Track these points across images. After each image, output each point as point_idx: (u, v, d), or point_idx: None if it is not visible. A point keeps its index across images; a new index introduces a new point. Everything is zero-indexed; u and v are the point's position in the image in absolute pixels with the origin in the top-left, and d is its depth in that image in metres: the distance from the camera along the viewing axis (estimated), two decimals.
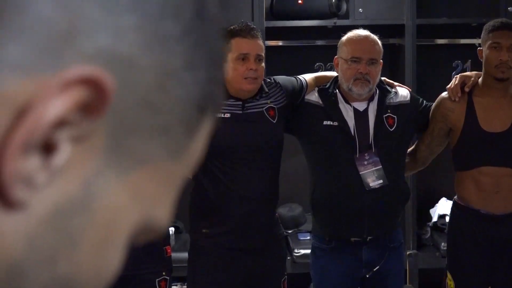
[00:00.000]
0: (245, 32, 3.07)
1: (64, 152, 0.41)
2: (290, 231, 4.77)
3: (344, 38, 3.24)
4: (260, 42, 3.11)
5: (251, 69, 3.04)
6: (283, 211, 4.80)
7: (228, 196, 3.09)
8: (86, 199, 0.43)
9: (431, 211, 4.87)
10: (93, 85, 0.41)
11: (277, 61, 4.74)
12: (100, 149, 0.43)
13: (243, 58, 3.05)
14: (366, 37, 3.19)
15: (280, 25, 4.65)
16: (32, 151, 0.40)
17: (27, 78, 0.40)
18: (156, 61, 0.44)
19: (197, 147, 0.50)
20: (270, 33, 4.58)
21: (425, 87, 4.46)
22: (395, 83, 3.41)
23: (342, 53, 3.21)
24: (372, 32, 3.26)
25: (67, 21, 0.41)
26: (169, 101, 0.45)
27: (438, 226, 4.72)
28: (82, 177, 0.43)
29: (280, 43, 4.83)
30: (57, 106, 0.40)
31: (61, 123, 0.40)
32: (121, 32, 0.42)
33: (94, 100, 0.41)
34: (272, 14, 4.68)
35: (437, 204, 4.87)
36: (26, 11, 0.40)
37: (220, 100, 0.50)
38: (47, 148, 0.41)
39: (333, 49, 3.35)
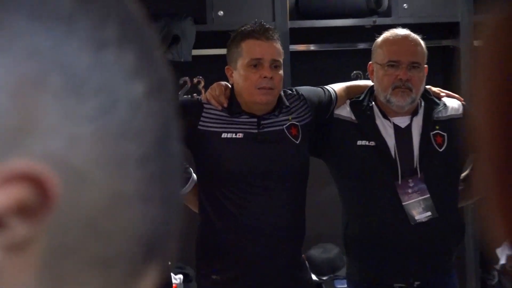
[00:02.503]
0: (258, 33, 3.11)
1: None
2: (324, 278, 4.77)
3: (380, 39, 3.27)
4: (277, 45, 3.15)
5: (265, 77, 3.07)
6: (315, 253, 4.81)
7: (241, 233, 3.11)
8: None
9: (498, 251, 4.84)
10: (36, 185, 0.44)
11: (304, 69, 4.78)
12: (34, 267, 0.45)
13: (256, 64, 3.09)
14: (405, 37, 3.22)
15: (308, 26, 4.70)
16: None
17: None
18: (109, 182, 0.47)
19: None
20: (296, 36, 4.63)
21: None
22: (444, 92, 3.42)
23: (378, 57, 3.24)
24: (420, 32, 3.29)
25: (20, 118, 0.44)
26: (115, 230, 0.48)
27: (507, 270, 4.69)
28: None
29: (309, 47, 4.87)
30: None
31: None
32: (75, 141, 0.46)
33: (35, 203, 0.44)
34: (298, 12, 4.74)
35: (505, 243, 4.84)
36: None
37: (172, 251, 0.53)
38: None
39: None
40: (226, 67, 3.20)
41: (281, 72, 3.15)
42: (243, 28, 3.15)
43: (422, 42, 3.24)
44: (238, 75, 3.12)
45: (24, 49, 0.45)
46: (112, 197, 0.48)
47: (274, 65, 3.11)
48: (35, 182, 0.44)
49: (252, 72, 3.09)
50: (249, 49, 3.10)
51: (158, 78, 0.52)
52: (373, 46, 3.30)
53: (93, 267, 0.48)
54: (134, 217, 0.49)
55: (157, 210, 0.50)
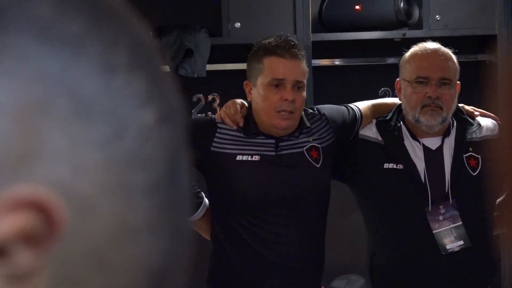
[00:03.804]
0: (282, 49, 3.08)
1: None
2: None
3: (407, 54, 3.30)
4: (302, 64, 3.13)
5: (286, 99, 3.05)
6: (339, 284, 4.80)
7: (256, 264, 3.12)
8: None
9: None
10: (42, 212, 0.45)
11: (327, 86, 4.78)
12: None
13: (277, 84, 3.07)
14: (435, 51, 3.25)
15: (332, 39, 4.70)
16: None
17: None
18: (116, 211, 0.49)
19: None
20: (319, 49, 4.64)
21: None
22: (478, 111, 3.42)
23: (405, 73, 3.26)
24: (454, 46, 3.32)
25: (25, 143, 0.46)
26: (121, 261, 0.49)
27: None
28: None
29: (333, 61, 4.87)
30: None
31: None
32: (82, 168, 0.47)
33: (40, 231, 0.45)
34: (321, 24, 4.75)
35: None
36: None
37: (181, 284, 0.54)
38: None
39: None
40: (245, 81, 3.19)
41: (304, 94, 3.13)
42: (266, 42, 3.12)
43: (453, 57, 3.26)
44: (257, 93, 3.10)
45: (30, 72, 0.46)
46: (119, 227, 0.49)
47: (298, 86, 3.09)
48: (40, 209, 0.45)
49: (273, 92, 3.06)
50: (272, 67, 3.07)
51: (169, 105, 0.53)
52: (401, 61, 3.33)
53: None
54: (141, 248, 0.50)
55: (165, 242, 0.52)
